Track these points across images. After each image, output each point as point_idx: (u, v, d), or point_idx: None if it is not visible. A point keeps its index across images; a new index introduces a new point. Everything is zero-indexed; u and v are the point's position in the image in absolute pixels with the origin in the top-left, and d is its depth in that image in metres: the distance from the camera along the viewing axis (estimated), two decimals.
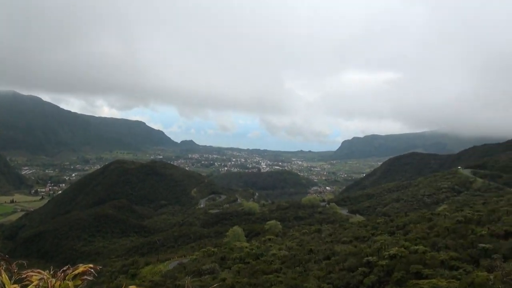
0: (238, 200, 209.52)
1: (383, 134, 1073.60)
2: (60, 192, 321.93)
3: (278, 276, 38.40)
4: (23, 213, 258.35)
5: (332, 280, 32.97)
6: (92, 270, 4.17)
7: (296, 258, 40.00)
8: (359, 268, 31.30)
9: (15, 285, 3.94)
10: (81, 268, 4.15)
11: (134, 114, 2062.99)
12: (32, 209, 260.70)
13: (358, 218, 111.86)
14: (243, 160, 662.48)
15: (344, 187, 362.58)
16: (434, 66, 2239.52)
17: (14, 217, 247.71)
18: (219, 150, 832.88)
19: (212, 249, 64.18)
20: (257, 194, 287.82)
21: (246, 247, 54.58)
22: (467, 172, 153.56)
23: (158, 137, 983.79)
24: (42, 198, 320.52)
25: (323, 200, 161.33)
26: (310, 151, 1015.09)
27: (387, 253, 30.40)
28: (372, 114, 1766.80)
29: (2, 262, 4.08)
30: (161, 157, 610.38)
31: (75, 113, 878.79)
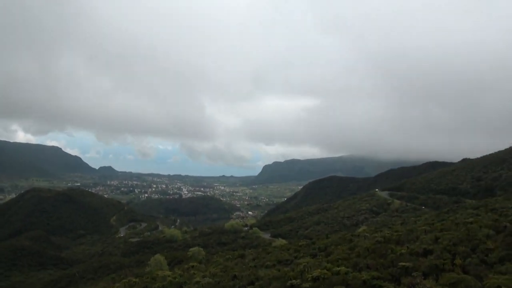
0: (159, 227, 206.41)
1: (303, 158, 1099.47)
2: None
3: None
4: None
5: None
6: None
7: (220, 285, 39.44)
8: None
9: None
10: None
11: (50, 139, 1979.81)
12: None
13: (281, 241, 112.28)
14: (164, 186, 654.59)
15: (266, 212, 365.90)
16: (350, 93, 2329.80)
17: None
18: (139, 176, 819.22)
19: (134, 280, 62.18)
20: (178, 220, 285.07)
21: (169, 276, 53.20)
22: (384, 194, 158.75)
23: (75, 163, 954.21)
24: None
25: (246, 225, 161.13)
26: (232, 176, 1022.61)
27: (310, 275, 30.51)
28: (292, 139, 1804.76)
29: None
30: (78, 184, 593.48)
31: None
